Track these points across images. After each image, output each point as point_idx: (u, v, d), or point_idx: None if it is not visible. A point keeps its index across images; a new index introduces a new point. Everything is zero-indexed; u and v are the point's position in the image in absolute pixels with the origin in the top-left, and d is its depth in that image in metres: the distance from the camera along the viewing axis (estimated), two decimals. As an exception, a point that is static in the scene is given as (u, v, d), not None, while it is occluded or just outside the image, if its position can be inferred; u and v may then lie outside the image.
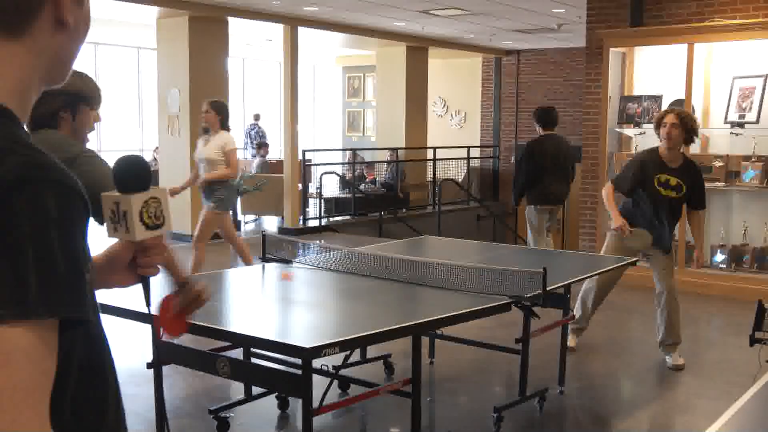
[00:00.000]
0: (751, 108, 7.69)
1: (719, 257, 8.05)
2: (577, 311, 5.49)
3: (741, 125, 7.73)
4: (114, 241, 1.40)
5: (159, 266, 1.46)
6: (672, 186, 5.30)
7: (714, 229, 8.23)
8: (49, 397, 1.00)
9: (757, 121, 7.61)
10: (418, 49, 14.50)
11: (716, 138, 8.15)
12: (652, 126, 7.67)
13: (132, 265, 1.43)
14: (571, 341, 5.65)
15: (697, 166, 5.55)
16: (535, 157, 7.82)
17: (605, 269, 5.06)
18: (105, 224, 1.36)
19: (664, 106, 8.16)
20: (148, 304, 1.48)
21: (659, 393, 4.99)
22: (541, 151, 7.85)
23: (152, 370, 3.81)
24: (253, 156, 15.48)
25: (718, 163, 7.96)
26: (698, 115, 8.07)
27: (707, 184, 7.92)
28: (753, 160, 7.74)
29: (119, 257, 1.42)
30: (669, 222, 5.38)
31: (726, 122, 7.84)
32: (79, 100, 2.99)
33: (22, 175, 1.01)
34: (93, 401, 1.17)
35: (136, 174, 1.34)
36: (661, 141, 5.38)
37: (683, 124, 5.25)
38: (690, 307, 7.17)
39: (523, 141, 15.82)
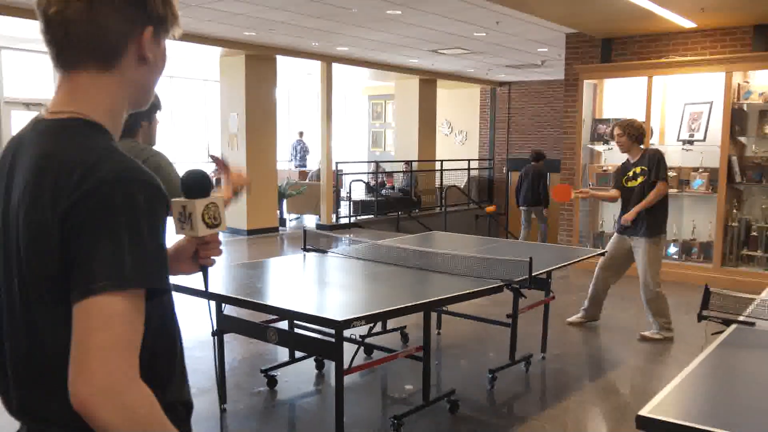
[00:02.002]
0: (699, 128, 7.65)
1: (672, 249, 7.99)
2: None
3: (691, 142, 7.68)
4: (180, 237, 1.42)
5: (214, 258, 1.47)
6: (637, 174, 5.36)
7: (668, 226, 8.16)
8: (138, 351, 1.02)
9: (704, 139, 7.57)
10: (428, 81, 14.47)
11: (670, 153, 8.03)
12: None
13: (194, 257, 1.44)
14: (574, 318, 5.71)
15: (654, 151, 5.51)
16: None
17: (577, 259, 5.03)
18: (173, 223, 1.37)
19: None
20: (206, 287, 1.48)
21: (623, 359, 4.95)
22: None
23: (215, 337, 3.84)
24: (297, 167, 15.53)
25: (672, 174, 7.89)
26: (656, 134, 8.01)
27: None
28: (700, 171, 7.69)
29: (185, 250, 1.43)
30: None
31: (678, 140, 7.79)
32: (154, 111, 3.00)
33: (118, 176, 1.04)
34: (165, 356, 1.18)
35: (199, 184, 1.35)
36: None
37: (624, 131, 5.36)
38: (648, 290, 7.12)
39: (514, 155, 15.84)
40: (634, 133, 5.36)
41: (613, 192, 5.58)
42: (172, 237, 1.39)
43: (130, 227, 1.02)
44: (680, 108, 7.83)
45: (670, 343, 5.26)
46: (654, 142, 7.99)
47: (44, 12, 1.11)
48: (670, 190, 7.76)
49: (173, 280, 1.22)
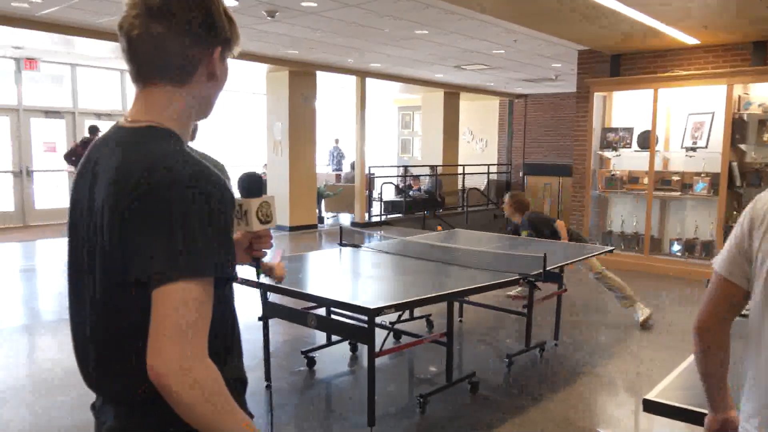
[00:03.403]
0: (701, 137, 7.50)
1: (676, 247, 7.84)
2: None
3: (694, 149, 7.52)
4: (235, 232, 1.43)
5: (266, 250, 1.48)
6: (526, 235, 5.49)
7: (672, 226, 8.03)
8: (207, 333, 1.05)
9: (706, 146, 7.42)
10: (452, 93, 14.39)
11: (674, 159, 7.92)
12: (626, 150, 7.56)
13: (248, 249, 1.45)
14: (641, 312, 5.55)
15: (529, 217, 5.58)
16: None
17: (588, 255, 4.95)
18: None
19: (635, 136, 7.98)
20: (258, 276, 1.50)
21: (630, 347, 4.87)
22: None
23: (261, 322, 3.88)
24: (335, 170, 15.59)
25: (675, 178, 7.76)
26: (661, 142, 7.87)
27: (668, 194, 7.78)
28: (702, 175, 7.52)
29: (240, 243, 1.44)
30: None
31: (682, 147, 7.64)
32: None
33: (192, 177, 1.05)
34: (225, 337, 1.19)
35: (254, 185, 1.36)
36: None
37: (512, 202, 5.57)
38: (653, 285, 6.99)
39: (529, 161, 15.69)
40: (518, 204, 5.57)
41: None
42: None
43: (205, 223, 1.04)
44: (684, 118, 7.67)
45: (673, 334, 5.15)
46: (659, 149, 7.85)
47: (127, 34, 1.13)
48: (674, 193, 7.68)
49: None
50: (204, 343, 1.03)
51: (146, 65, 1.14)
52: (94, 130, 9.83)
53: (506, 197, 5.71)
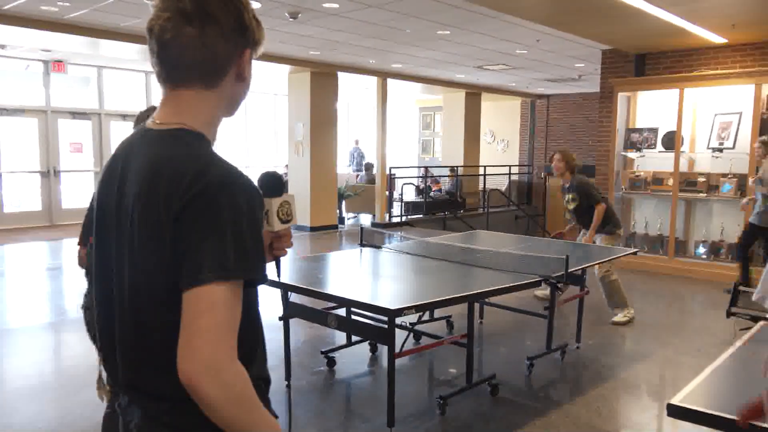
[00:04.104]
0: (728, 137, 7.36)
1: (701, 250, 7.71)
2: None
3: (720, 150, 7.39)
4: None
5: (287, 249, 1.48)
6: (568, 200, 5.50)
7: (697, 228, 7.89)
8: (236, 334, 1.05)
9: (734, 147, 7.28)
10: (473, 94, 14.33)
11: (700, 160, 7.78)
12: (650, 150, 7.46)
13: (269, 249, 1.46)
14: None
15: (580, 180, 5.51)
16: None
17: (611, 257, 4.89)
18: None
19: (659, 137, 7.87)
20: (278, 275, 1.50)
21: (653, 350, 4.79)
22: None
23: (282, 322, 3.90)
24: (355, 171, 15.62)
25: (701, 179, 7.63)
26: (686, 143, 7.74)
27: (694, 195, 7.66)
28: (729, 176, 7.39)
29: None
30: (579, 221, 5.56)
31: (708, 147, 7.51)
32: None
33: (222, 180, 1.06)
34: (251, 338, 1.19)
35: (275, 184, 1.36)
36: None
37: (564, 158, 5.46)
38: (678, 287, 6.88)
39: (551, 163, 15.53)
40: (570, 161, 5.45)
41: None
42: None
43: (234, 225, 1.05)
44: (710, 118, 7.54)
45: (698, 338, 5.07)
46: (684, 150, 7.72)
47: (159, 37, 1.13)
48: (700, 195, 7.55)
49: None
50: (233, 344, 1.03)
51: (178, 68, 1.14)
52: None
53: (555, 155, 5.48)
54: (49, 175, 11.04)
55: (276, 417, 1.15)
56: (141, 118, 2.30)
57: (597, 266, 5.22)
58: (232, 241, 1.04)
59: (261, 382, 1.20)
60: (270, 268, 1.52)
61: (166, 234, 1.05)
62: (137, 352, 1.14)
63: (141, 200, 1.09)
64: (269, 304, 4.47)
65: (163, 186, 1.06)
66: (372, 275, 4.23)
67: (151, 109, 1.82)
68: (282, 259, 1.48)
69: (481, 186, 14.42)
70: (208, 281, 1.01)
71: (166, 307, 1.06)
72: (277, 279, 1.58)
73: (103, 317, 1.21)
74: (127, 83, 11.93)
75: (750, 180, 6.71)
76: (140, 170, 1.12)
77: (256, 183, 1.44)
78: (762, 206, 6.02)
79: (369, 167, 13.53)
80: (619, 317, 5.34)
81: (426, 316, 4.80)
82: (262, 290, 1.26)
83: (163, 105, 1.18)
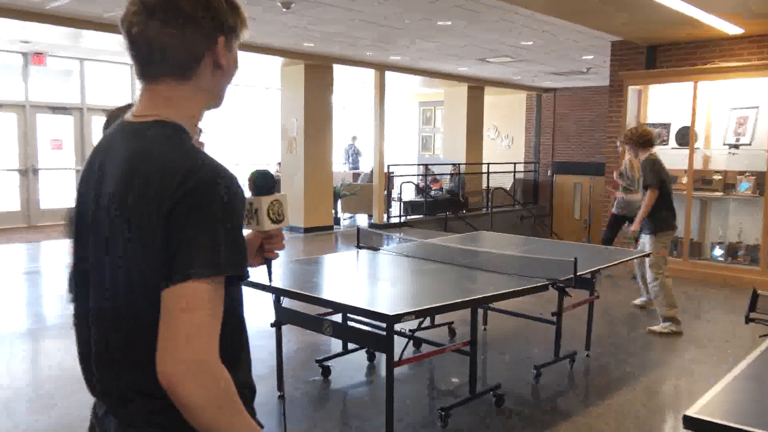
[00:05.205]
0: (745, 133, 7.37)
1: (718, 251, 7.71)
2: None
3: (737, 146, 7.40)
4: (247, 231, 1.42)
5: (278, 251, 1.48)
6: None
7: (713, 229, 7.90)
8: (218, 334, 1.06)
9: (751, 143, 7.29)
10: (476, 88, 14.33)
11: (716, 156, 7.78)
12: (662, 147, 7.45)
13: (259, 250, 1.45)
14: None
15: (647, 160, 5.31)
16: None
17: (622, 260, 4.88)
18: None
19: (672, 133, 7.87)
20: (270, 279, 1.50)
21: (667, 359, 4.78)
22: None
23: (274, 328, 3.88)
24: (351, 169, 15.60)
25: (717, 177, 7.63)
26: (701, 138, 7.74)
27: (709, 194, 7.65)
28: (747, 174, 7.39)
29: (251, 243, 1.44)
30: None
31: (725, 144, 7.52)
32: None
33: (213, 177, 1.09)
34: (233, 340, 1.19)
35: (266, 182, 1.37)
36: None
37: (636, 134, 5.29)
38: (693, 291, 6.87)
39: (558, 160, 15.56)
40: (638, 139, 5.24)
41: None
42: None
43: (224, 222, 1.07)
44: (726, 113, 7.54)
45: (715, 345, 5.05)
46: (699, 146, 7.72)
47: (128, 31, 1.16)
48: (716, 193, 7.54)
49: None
50: (215, 344, 1.05)
51: (148, 62, 1.17)
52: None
53: (622, 137, 5.37)
54: (28, 173, 11.02)
55: (261, 427, 1.14)
56: (112, 117, 2.29)
57: (647, 269, 5.20)
58: (223, 238, 1.06)
59: (246, 391, 1.20)
60: (261, 272, 1.51)
61: (157, 231, 1.06)
62: (114, 355, 1.14)
63: (120, 191, 1.11)
64: (260, 309, 4.45)
65: (152, 183, 1.08)
66: (369, 279, 4.21)
67: (124, 108, 1.82)
68: (273, 261, 1.48)
69: (484, 184, 14.41)
70: (192, 277, 1.02)
71: (145, 306, 1.07)
72: (268, 283, 1.57)
73: (81, 321, 1.21)
74: (110, 76, 11.91)
75: None
76: (119, 163, 1.14)
77: (247, 181, 1.44)
78: None
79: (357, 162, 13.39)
80: (660, 328, 5.24)
81: (426, 323, 4.79)
82: (253, 295, 1.25)
83: (141, 99, 1.21)
